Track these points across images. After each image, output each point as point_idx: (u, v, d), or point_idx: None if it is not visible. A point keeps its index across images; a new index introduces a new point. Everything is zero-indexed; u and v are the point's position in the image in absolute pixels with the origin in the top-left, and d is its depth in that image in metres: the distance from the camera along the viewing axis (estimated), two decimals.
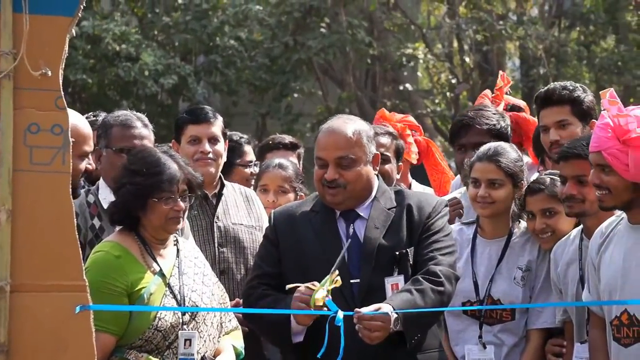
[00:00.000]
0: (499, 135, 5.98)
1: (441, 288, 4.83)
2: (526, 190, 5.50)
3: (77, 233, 4.07)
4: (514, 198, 5.50)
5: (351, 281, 4.90)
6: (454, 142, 6.20)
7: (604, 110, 4.70)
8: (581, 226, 5.28)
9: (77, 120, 4.44)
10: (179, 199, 4.86)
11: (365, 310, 4.64)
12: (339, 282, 4.69)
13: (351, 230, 5.02)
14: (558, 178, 5.39)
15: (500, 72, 6.98)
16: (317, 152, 5.04)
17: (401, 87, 20.02)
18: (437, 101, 21.37)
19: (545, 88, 6.13)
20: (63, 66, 4.09)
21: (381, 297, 4.80)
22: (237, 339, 5.09)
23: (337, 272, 4.68)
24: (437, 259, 4.92)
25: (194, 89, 17.76)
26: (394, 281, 4.90)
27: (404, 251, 4.95)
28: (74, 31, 4.14)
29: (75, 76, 16.74)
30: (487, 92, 6.95)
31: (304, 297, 4.71)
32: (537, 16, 20.00)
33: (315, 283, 4.71)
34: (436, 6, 20.50)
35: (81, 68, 16.86)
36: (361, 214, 5.05)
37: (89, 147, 4.43)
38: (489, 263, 5.50)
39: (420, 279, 4.84)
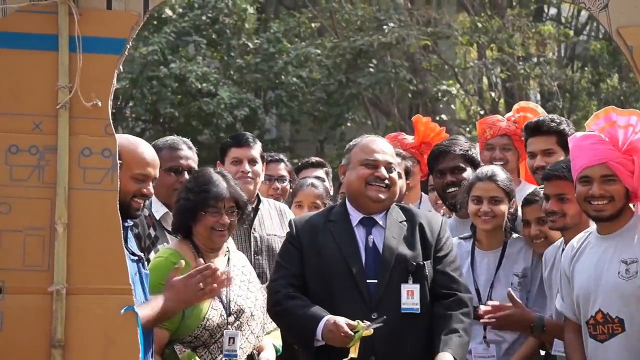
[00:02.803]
0: (471, 160, 5.68)
1: (470, 313, 4.72)
2: (523, 201, 5.26)
3: (123, 241, 3.93)
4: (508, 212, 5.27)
5: (367, 281, 4.65)
6: (432, 169, 5.83)
7: (589, 131, 4.45)
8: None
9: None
10: (224, 214, 4.67)
11: None
12: (370, 332, 4.42)
13: (370, 241, 4.75)
14: None
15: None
16: (367, 155, 4.80)
17: (437, 118, 19.78)
18: (468, 129, 21.14)
19: (535, 119, 5.84)
20: (112, 97, 3.98)
21: (395, 301, 4.59)
22: (276, 339, 4.91)
23: (371, 330, 4.43)
24: (456, 280, 4.77)
25: (263, 119, 17.66)
26: (410, 288, 4.65)
27: (422, 263, 4.70)
28: (121, 67, 4.00)
29: (165, 110, 16.72)
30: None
31: (348, 333, 4.45)
32: (552, 58, 19.72)
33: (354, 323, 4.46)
34: (469, 50, 20.29)
35: (170, 103, 16.82)
36: (379, 222, 4.79)
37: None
38: (487, 272, 5.24)
39: (460, 316, 4.66)
